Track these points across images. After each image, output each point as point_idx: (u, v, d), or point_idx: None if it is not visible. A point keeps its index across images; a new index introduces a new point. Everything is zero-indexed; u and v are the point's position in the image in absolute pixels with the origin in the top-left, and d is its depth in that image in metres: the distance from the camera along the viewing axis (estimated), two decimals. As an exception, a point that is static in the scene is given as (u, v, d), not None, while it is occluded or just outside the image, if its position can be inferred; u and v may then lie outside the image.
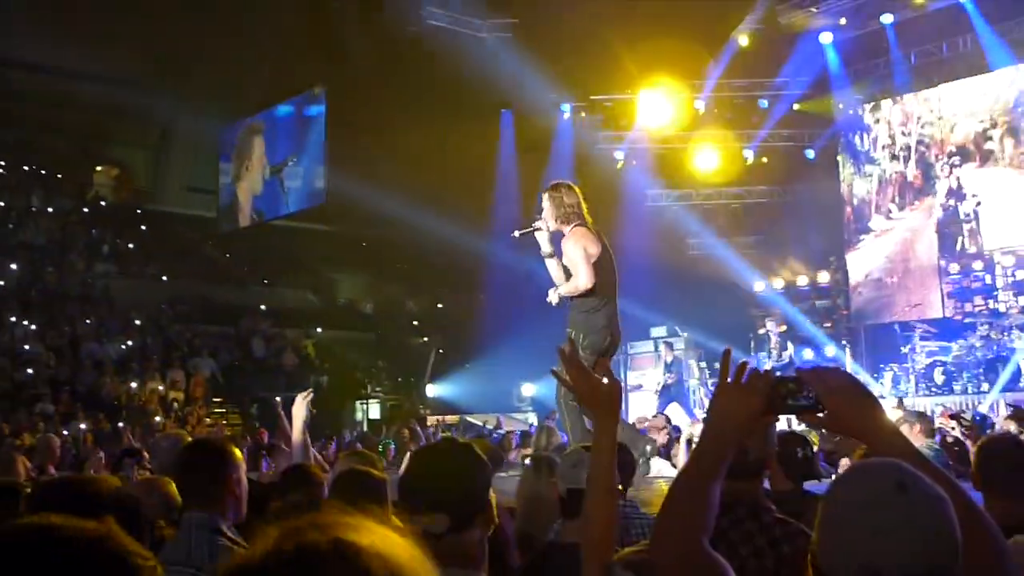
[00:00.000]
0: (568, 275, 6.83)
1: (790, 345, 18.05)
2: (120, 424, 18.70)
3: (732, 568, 2.64)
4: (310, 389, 5.22)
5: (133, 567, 1.18)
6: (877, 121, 22.06)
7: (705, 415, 2.16)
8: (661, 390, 16.87)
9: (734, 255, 23.74)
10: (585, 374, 2.59)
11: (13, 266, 26.15)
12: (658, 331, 19.29)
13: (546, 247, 6.90)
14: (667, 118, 23.45)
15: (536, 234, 6.90)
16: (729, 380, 2.06)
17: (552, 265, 6.93)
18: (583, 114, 24.22)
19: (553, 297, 6.90)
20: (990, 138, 20.05)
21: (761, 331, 18.96)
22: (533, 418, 18.62)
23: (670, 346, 17.94)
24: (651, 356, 19.08)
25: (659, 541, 1.97)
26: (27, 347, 22.26)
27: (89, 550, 1.16)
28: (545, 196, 6.92)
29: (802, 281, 23.36)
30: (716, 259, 23.69)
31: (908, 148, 21.35)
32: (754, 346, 18.90)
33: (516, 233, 6.98)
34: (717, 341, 19.27)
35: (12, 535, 1.18)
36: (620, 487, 3.55)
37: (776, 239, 23.69)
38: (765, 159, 24.10)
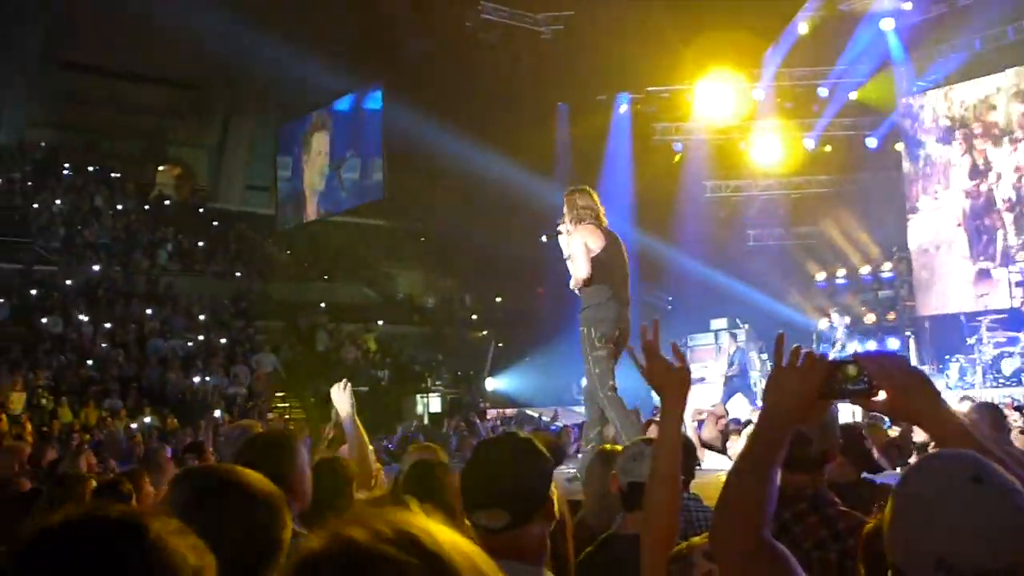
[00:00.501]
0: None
1: (854, 338, 17.78)
2: (179, 419, 19.03)
3: (799, 560, 2.62)
4: (346, 380, 5.23)
5: (187, 564, 1.18)
6: (939, 108, 21.61)
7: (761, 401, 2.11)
8: (725, 382, 16.71)
9: (795, 246, 23.47)
10: (660, 356, 2.59)
11: (81, 266, 26.70)
12: (718, 323, 19.12)
13: (567, 250, 7.12)
14: (725, 108, 23.23)
15: (559, 237, 7.18)
16: (784, 364, 2.02)
17: (571, 267, 7.11)
18: (640, 106, 24.08)
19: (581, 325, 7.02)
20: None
21: (823, 324, 18.70)
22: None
23: (734, 337, 17.74)
24: (712, 348, 18.93)
25: (719, 533, 1.91)
26: (96, 344, 22.73)
27: (145, 543, 1.16)
28: (565, 200, 7.21)
29: (864, 271, 23.02)
30: (776, 250, 23.44)
31: (971, 134, 20.90)
32: (816, 338, 18.66)
33: (543, 237, 7.22)
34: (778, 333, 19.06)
35: (69, 525, 1.18)
36: (683, 479, 3.53)
37: (838, 229, 23.37)
38: (827, 148, 23.78)
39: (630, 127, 23.88)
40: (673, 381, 2.55)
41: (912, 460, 6.50)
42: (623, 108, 23.93)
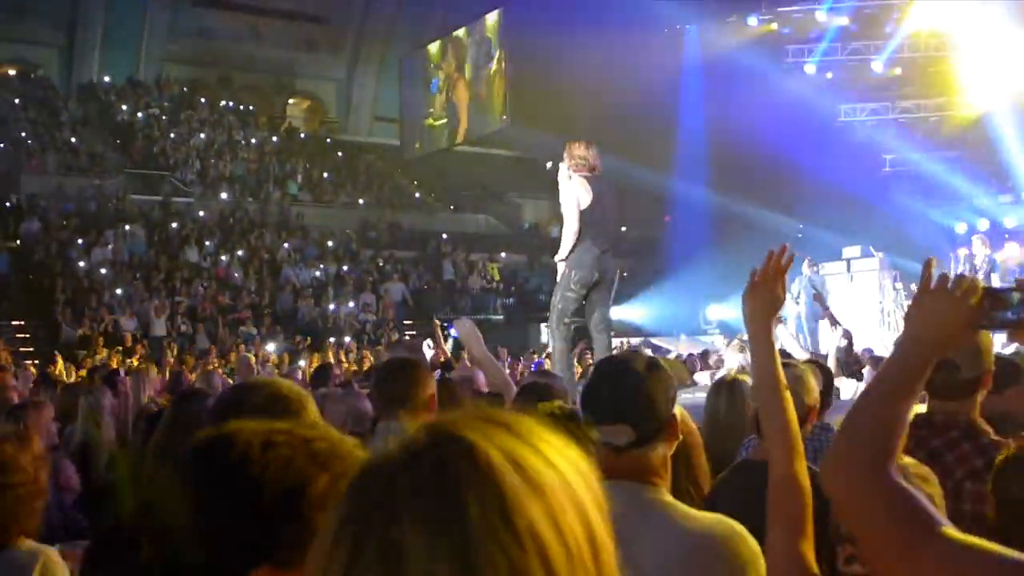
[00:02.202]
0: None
1: (996, 269, 16.97)
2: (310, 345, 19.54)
3: (947, 491, 2.49)
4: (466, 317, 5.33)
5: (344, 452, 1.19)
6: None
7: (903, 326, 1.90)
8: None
9: (934, 171, 22.52)
10: (770, 281, 2.40)
11: (217, 197, 27.54)
12: (850, 251, 18.53)
13: (562, 195, 7.51)
14: (861, 25, 22.26)
15: (559, 176, 7.51)
16: (932, 288, 1.82)
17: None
18: (772, 26, 23.24)
19: (558, 261, 7.55)
20: None
21: (964, 251, 17.94)
22: (720, 341, 18.30)
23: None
24: (843, 276, 18.37)
25: (837, 467, 1.65)
26: (230, 273, 23.48)
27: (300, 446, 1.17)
28: (566, 147, 7.53)
29: (1005, 199, 21.91)
30: (914, 177, 22.54)
31: None
32: (954, 267, 17.92)
33: (548, 164, 7.85)
34: (915, 261, 18.40)
35: (222, 441, 1.19)
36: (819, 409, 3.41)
37: (980, 153, 22.27)
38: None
39: (759, 50, 23.08)
40: (764, 305, 2.34)
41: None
42: (753, 29, 23.13)
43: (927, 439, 2.74)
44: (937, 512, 1.42)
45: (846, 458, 1.63)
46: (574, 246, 7.34)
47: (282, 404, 2.21)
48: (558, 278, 7.49)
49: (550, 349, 7.68)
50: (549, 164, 7.72)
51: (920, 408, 3.07)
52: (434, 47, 29.47)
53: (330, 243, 26.84)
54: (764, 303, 2.34)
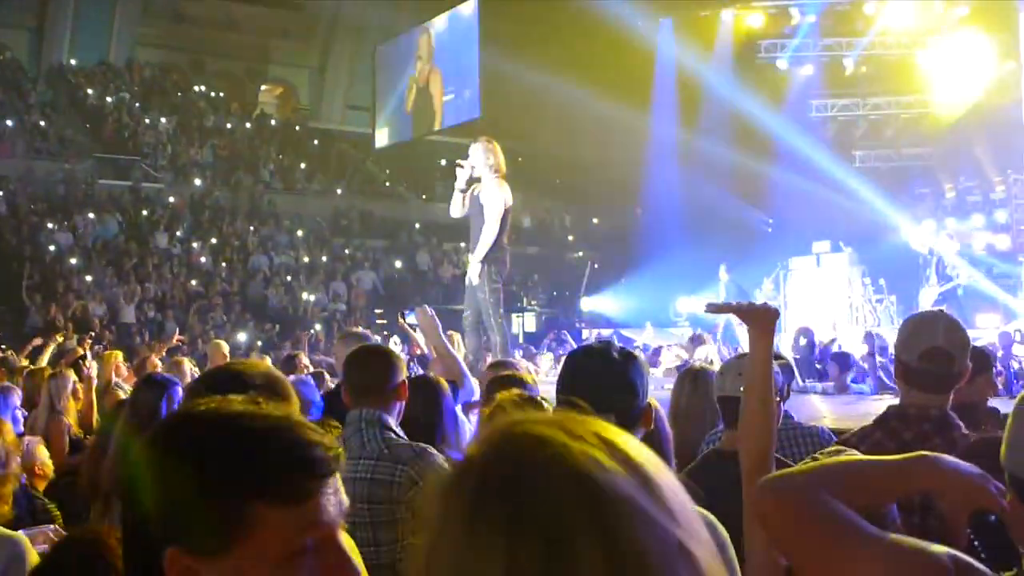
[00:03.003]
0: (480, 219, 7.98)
1: (963, 264, 17.16)
2: (279, 333, 19.48)
3: None
4: (425, 305, 5.40)
5: (324, 455, 1.15)
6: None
7: None
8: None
9: (905, 167, 22.72)
10: (747, 303, 2.82)
11: (187, 184, 27.36)
12: (820, 245, 18.67)
13: (462, 184, 8.02)
14: (833, 22, 22.40)
15: (458, 171, 8.02)
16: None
17: (458, 199, 8.13)
18: (745, 20, 23.33)
19: (475, 261, 7.96)
20: None
21: (929, 247, 18.11)
22: (688, 333, 18.43)
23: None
24: (814, 272, 18.48)
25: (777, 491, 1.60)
26: (200, 260, 23.35)
27: (273, 434, 1.14)
28: (479, 147, 7.96)
29: (973, 197, 22.13)
30: (884, 172, 22.72)
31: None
32: (923, 263, 18.10)
33: (457, 162, 8.10)
34: (883, 257, 18.58)
35: (195, 420, 1.18)
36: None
37: (952, 151, 22.47)
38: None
39: (733, 42, 23.18)
40: (760, 316, 2.63)
41: None
42: (728, 22, 23.21)
43: (898, 431, 2.78)
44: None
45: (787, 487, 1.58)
46: (493, 245, 7.82)
47: (279, 386, 2.26)
48: (475, 278, 7.89)
49: (491, 343, 7.98)
50: (462, 164, 7.99)
51: (891, 400, 3.14)
52: (408, 36, 29.36)
53: (301, 231, 26.72)
54: (751, 316, 2.57)
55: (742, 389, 2.74)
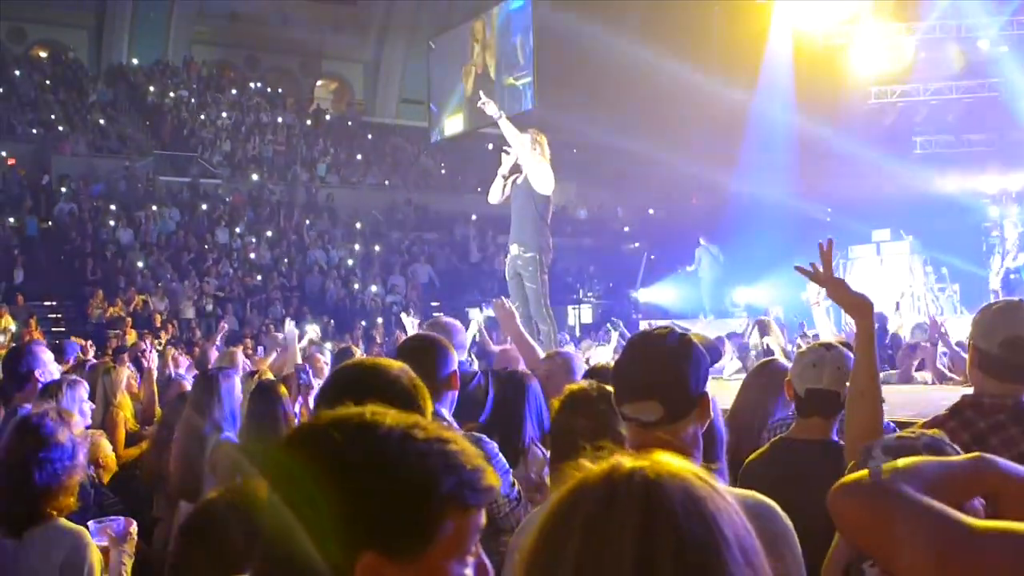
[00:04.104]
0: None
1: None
2: (337, 326, 19.62)
3: None
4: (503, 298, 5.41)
5: (484, 465, 1.24)
6: None
7: None
8: None
9: (966, 153, 22.24)
10: (837, 279, 2.83)
11: (245, 179, 27.68)
12: (880, 234, 18.37)
13: (505, 170, 8.02)
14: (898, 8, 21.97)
15: (503, 156, 8.04)
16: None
17: (499, 184, 8.07)
18: (801, 2, 22.93)
19: (528, 252, 7.91)
20: None
21: (995, 233, 17.74)
22: (745, 323, 18.26)
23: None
24: (874, 261, 18.21)
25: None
26: (258, 254, 23.60)
27: (449, 445, 1.22)
28: (527, 137, 7.89)
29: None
30: (946, 159, 22.26)
31: None
32: (987, 249, 17.74)
33: (505, 151, 8.03)
34: (945, 244, 18.23)
35: (370, 429, 1.23)
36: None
37: (1012, 135, 21.97)
38: (1003, 48, 22.24)
39: (790, 27, 22.81)
40: (854, 300, 2.69)
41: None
42: (783, 6, 22.83)
43: (973, 421, 2.72)
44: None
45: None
46: (542, 232, 7.86)
47: (417, 395, 2.28)
48: (526, 268, 7.85)
49: (540, 334, 7.90)
50: (507, 150, 7.98)
51: (966, 389, 3.05)
52: (462, 29, 29.35)
53: (358, 225, 26.90)
54: (849, 301, 2.59)
55: (847, 384, 2.81)
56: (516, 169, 7.96)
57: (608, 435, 2.67)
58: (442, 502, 1.17)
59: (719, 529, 1.05)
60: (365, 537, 1.15)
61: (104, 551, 3.06)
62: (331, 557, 1.16)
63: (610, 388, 2.87)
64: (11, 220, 22.39)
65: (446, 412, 3.24)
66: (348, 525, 1.15)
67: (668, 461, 1.11)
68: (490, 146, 26.40)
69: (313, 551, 1.17)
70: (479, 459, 1.23)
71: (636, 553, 1.02)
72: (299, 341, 7.08)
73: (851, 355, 3.29)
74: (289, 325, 7.32)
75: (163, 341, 13.99)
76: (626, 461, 1.11)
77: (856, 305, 2.71)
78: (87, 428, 4.81)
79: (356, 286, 23.08)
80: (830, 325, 7.82)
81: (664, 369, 2.20)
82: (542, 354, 5.11)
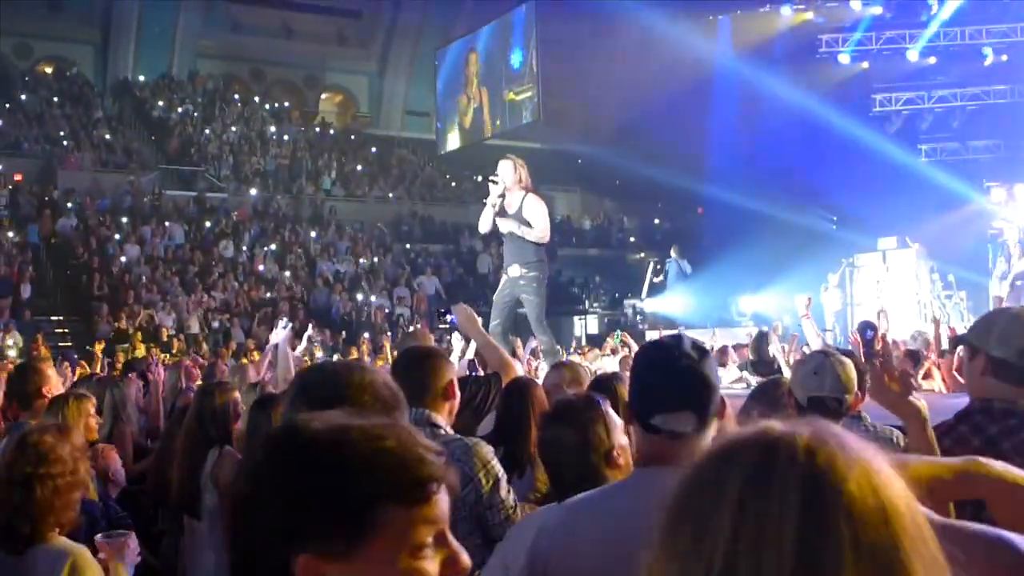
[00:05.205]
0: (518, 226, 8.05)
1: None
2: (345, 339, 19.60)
3: None
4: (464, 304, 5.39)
5: (437, 458, 1.24)
6: None
7: None
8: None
9: (970, 160, 22.21)
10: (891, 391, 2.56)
11: (250, 192, 27.73)
12: (886, 242, 18.33)
13: (494, 199, 8.06)
14: (895, 15, 21.97)
15: (491, 186, 8.09)
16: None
17: (489, 213, 8.12)
18: (807, 15, 22.98)
19: (510, 227, 8.01)
20: None
21: (1000, 240, 17.67)
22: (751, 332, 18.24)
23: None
24: (880, 268, 18.16)
25: None
26: (265, 268, 23.61)
27: (392, 442, 1.22)
28: (508, 164, 8.11)
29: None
30: (951, 166, 22.23)
31: None
32: (992, 256, 17.66)
33: (482, 179, 8.00)
34: (951, 252, 18.17)
35: (314, 433, 1.23)
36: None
37: (1018, 142, 21.93)
38: (1004, 57, 22.23)
39: (793, 38, 22.85)
40: (905, 409, 2.52)
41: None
42: (788, 18, 22.88)
43: (984, 426, 2.70)
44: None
45: None
46: (538, 252, 8.03)
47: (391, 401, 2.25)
48: (529, 284, 8.00)
49: (540, 347, 8.31)
50: (495, 180, 8.09)
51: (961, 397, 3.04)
52: (466, 41, 29.44)
53: (364, 239, 26.93)
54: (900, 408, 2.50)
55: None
56: (503, 196, 8.06)
57: (594, 445, 2.67)
58: (370, 499, 1.17)
59: (890, 493, 0.96)
60: (297, 540, 1.17)
61: (104, 566, 3.04)
62: (268, 561, 1.18)
63: (598, 396, 2.86)
64: (17, 236, 22.42)
65: (442, 420, 3.23)
66: (277, 531, 1.18)
67: (826, 426, 1.01)
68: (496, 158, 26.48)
69: (253, 557, 1.21)
70: (421, 454, 1.22)
71: (801, 529, 0.93)
72: (292, 345, 7.02)
73: (851, 363, 3.29)
74: (276, 334, 7.37)
75: (176, 354, 14.03)
76: (778, 425, 1.02)
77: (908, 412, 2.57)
78: (95, 443, 4.81)
79: (361, 298, 23.07)
80: (814, 334, 7.88)
81: (693, 378, 2.19)
82: (507, 356, 5.10)
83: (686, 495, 1.02)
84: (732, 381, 9.60)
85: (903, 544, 0.94)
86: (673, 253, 20.68)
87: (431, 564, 1.20)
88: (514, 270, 8.06)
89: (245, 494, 1.24)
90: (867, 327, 10.10)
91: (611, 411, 2.76)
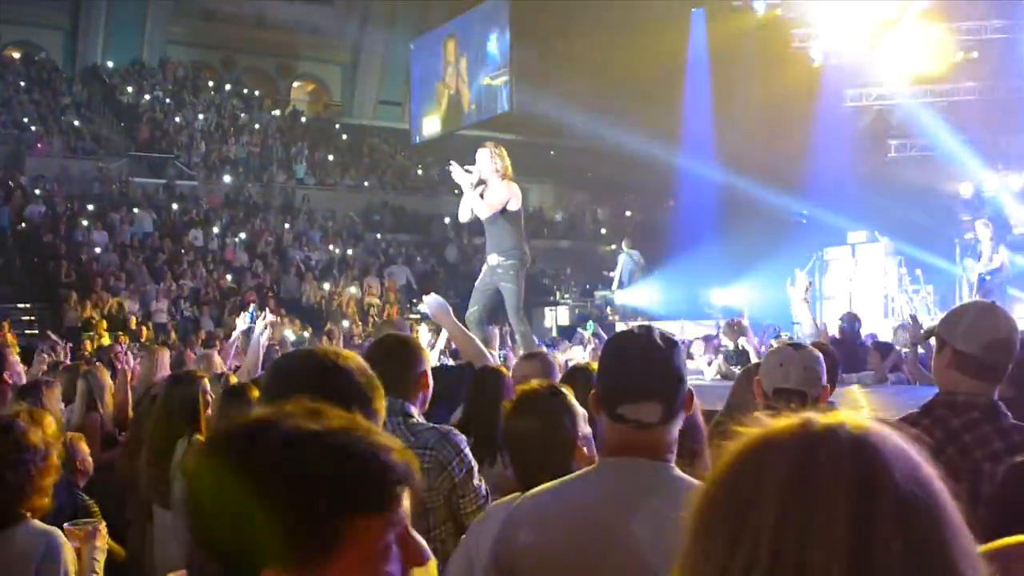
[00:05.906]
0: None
1: (1002, 249, 16.88)
2: (314, 328, 19.53)
3: (964, 472, 2.50)
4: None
5: (401, 460, 1.20)
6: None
7: None
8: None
9: (940, 156, 22.41)
10: None
11: (220, 180, 27.55)
12: (855, 236, 18.47)
13: (468, 187, 8.06)
14: (867, 12, 22.07)
15: (462, 174, 8.06)
16: None
17: (466, 203, 8.16)
18: (778, 11, 23.07)
19: (507, 260, 8.02)
20: None
21: (969, 235, 17.83)
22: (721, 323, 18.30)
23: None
24: (849, 262, 18.30)
25: None
26: (234, 256, 23.48)
27: (357, 448, 1.18)
28: (485, 152, 8.11)
29: (1015, 184, 21.78)
30: (920, 161, 22.43)
31: None
32: (960, 252, 17.83)
33: (451, 164, 8.22)
34: (919, 246, 18.34)
35: (274, 439, 1.18)
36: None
37: (987, 139, 22.14)
38: (975, 53, 22.41)
39: (766, 34, 22.93)
40: None
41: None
42: (760, 13, 22.95)
43: (946, 419, 2.73)
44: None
45: None
46: (515, 241, 8.02)
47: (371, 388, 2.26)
48: (506, 272, 8.00)
49: (517, 336, 8.35)
50: (469, 169, 8.05)
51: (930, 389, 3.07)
52: (440, 31, 29.35)
53: (334, 228, 26.84)
54: None
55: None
56: (480, 184, 8.06)
57: (560, 435, 2.69)
58: (337, 512, 1.13)
59: (935, 488, 0.96)
60: (259, 556, 1.11)
61: (77, 552, 3.04)
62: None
63: (566, 388, 2.88)
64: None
65: (415, 411, 3.23)
66: (237, 548, 1.13)
67: (863, 417, 1.00)
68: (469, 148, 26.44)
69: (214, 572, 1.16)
70: (387, 461, 1.18)
71: (853, 513, 0.93)
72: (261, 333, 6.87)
73: (821, 355, 3.31)
74: (242, 321, 7.30)
75: (145, 343, 13.92)
76: (818, 416, 1.01)
77: None
78: (65, 431, 4.78)
79: (331, 287, 23.00)
80: (810, 319, 7.89)
81: (662, 368, 2.20)
82: (480, 345, 5.11)
83: (721, 495, 1.01)
84: (715, 376, 9.79)
85: (947, 537, 0.95)
86: (624, 246, 20.87)
87: (394, 564, 1.18)
88: (492, 258, 8.11)
89: (204, 506, 1.16)
90: (853, 319, 10.13)
91: (575, 401, 2.78)
